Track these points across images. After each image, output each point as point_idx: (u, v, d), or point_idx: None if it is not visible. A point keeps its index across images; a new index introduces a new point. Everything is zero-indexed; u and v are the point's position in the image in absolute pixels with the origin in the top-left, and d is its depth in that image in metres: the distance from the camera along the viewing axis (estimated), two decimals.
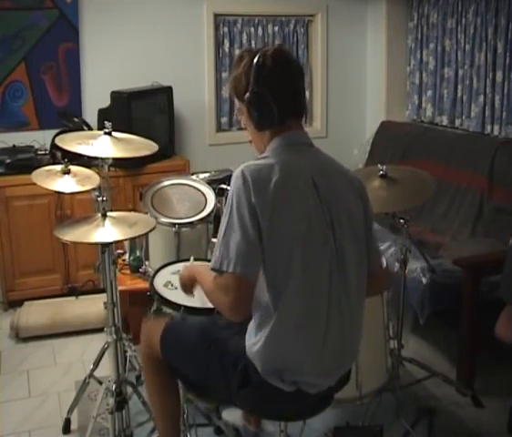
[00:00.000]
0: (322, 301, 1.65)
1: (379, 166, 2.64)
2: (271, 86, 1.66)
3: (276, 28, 4.75)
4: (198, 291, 2.27)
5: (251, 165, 1.63)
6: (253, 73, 1.66)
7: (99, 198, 2.42)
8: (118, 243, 2.52)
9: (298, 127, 1.75)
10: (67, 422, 2.65)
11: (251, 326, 1.70)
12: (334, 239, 1.66)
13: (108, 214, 2.11)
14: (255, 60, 1.66)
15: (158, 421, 2.15)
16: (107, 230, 2.05)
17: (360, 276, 1.74)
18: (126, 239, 2.64)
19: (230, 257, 1.57)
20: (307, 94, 4.93)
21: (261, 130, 1.73)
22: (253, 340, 1.68)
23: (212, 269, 1.62)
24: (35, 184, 2.47)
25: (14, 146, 4.00)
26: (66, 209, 3.80)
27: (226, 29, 4.62)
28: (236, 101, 1.79)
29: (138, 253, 3.10)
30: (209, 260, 2.63)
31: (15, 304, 3.76)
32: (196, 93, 4.60)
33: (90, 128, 4.02)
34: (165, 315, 2.16)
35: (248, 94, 1.67)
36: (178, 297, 2.18)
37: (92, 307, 3.54)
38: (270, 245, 1.58)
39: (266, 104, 1.66)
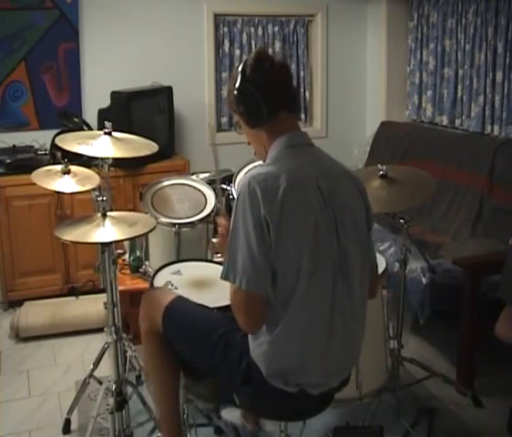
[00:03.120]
0: (325, 305, 1.65)
1: (379, 166, 2.64)
2: (255, 81, 1.69)
3: (276, 28, 4.75)
4: (199, 292, 2.28)
5: (257, 175, 1.63)
6: (238, 76, 1.71)
7: (99, 198, 2.42)
8: (118, 243, 2.52)
9: (295, 127, 1.76)
10: (67, 422, 2.65)
11: None
12: (338, 242, 1.67)
13: (108, 214, 2.12)
14: (239, 67, 1.72)
15: (156, 397, 2.13)
16: (107, 230, 2.05)
17: (363, 277, 1.75)
18: (126, 239, 2.64)
19: (237, 270, 1.58)
20: (307, 94, 4.93)
21: (255, 127, 1.74)
22: (258, 342, 1.68)
23: (222, 278, 1.64)
24: (35, 184, 2.46)
25: (14, 146, 4.01)
26: (66, 209, 3.80)
27: (226, 29, 4.62)
28: (233, 115, 1.82)
29: (138, 253, 3.10)
30: (209, 260, 2.66)
31: (15, 304, 3.76)
32: (196, 93, 4.60)
33: (90, 128, 4.02)
34: (166, 291, 2.14)
35: (234, 93, 1.71)
36: None
37: (92, 307, 3.54)
38: (278, 253, 1.58)
39: (251, 97, 1.68)
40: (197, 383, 2.18)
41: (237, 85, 1.71)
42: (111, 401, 2.18)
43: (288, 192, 1.60)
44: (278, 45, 4.75)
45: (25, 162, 3.68)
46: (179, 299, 2.03)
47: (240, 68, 1.72)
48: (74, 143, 2.40)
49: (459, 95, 4.18)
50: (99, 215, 2.11)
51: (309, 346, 1.65)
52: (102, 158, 2.63)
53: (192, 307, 2.01)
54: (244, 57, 1.80)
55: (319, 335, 1.66)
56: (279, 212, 1.58)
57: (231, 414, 2.43)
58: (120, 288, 2.65)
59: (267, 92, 1.69)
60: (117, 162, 3.39)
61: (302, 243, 1.60)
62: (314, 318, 1.64)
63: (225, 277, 1.62)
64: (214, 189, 3.03)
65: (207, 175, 3.77)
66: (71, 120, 4.03)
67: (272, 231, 1.57)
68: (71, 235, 2.02)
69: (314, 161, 1.73)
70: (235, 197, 1.66)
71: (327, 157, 1.78)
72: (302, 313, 1.62)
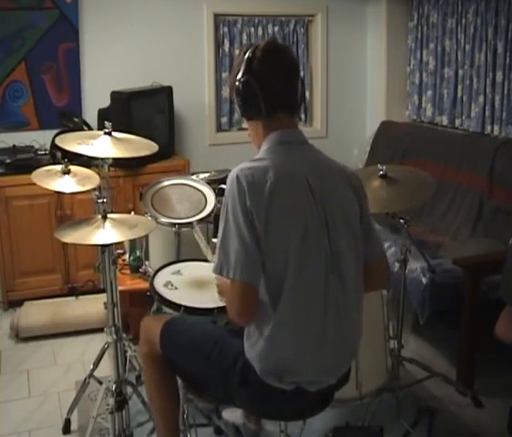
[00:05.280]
0: (318, 302, 1.65)
1: (379, 166, 2.64)
2: (259, 76, 1.67)
3: (276, 28, 4.75)
4: (199, 292, 2.28)
5: (245, 168, 1.63)
6: (244, 65, 1.68)
7: (99, 200, 2.42)
8: (118, 243, 2.52)
9: (292, 124, 1.75)
10: (67, 422, 2.65)
11: (249, 329, 1.70)
12: (329, 240, 1.67)
13: (109, 216, 2.11)
14: (247, 53, 1.69)
15: (156, 421, 2.13)
16: (107, 232, 2.05)
17: (357, 275, 1.75)
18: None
19: (230, 263, 1.58)
20: (307, 94, 4.93)
21: (250, 119, 1.75)
22: (251, 342, 1.69)
23: (214, 273, 1.64)
24: (35, 184, 2.46)
25: (14, 146, 4.01)
26: (66, 209, 3.80)
27: (226, 29, 4.62)
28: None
29: (138, 253, 3.10)
30: (209, 260, 2.66)
31: (15, 304, 3.76)
32: (196, 93, 4.60)
33: (90, 128, 4.02)
34: (164, 314, 2.16)
35: (236, 83, 1.69)
36: (178, 297, 2.19)
37: (92, 307, 3.54)
38: (266, 249, 1.59)
39: (251, 92, 1.67)
40: (202, 398, 2.20)
41: (239, 75, 1.68)
42: (111, 401, 2.18)
43: (275, 187, 1.60)
44: None
45: (25, 162, 3.68)
46: (175, 318, 2.07)
47: (246, 56, 1.68)
48: (74, 143, 2.40)
49: (459, 95, 4.18)
50: (99, 217, 2.11)
51: (302, 343, 1.65)
52: (102, 158, 2.63)
53: (187, 322, 2.04)
54: (254, 43, 1.75)
55: (311, 332, 1.66)
56: (265, 208, 1.58)
57: (233, 414, 2.44)
58: (120, 288, 2.65)
59: (270, 91, 1.68)
60: (117, 162, 3.39)
61: (289, 239, 1.61)
62: (306, 315, 1.65)
63: (219, 272, 1.61)
64: (214, 189, 3.03)
65: (207, 175, 3.77)
66: (71, 120, 4.03)
67: (259, 227, 1.58)
68: (71, 237, 2.03)
69: (306, 158, 1.73)
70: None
71: (320, 154, 1.78)
72: (292, 310, 1.63)
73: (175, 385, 2.07)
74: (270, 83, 1.68)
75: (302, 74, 4.87)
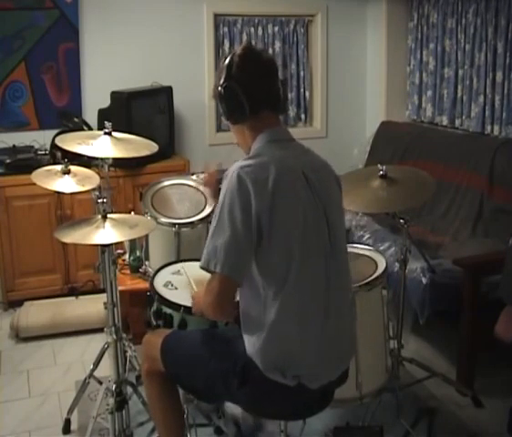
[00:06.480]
0: (319, 291, 1.68)
1: (379, 166, 2.64)
2: (239, 79, 1.71)
3: (276, 28, 4.75)
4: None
5: (246, 166, 1.66)
6: (224, 72, 1.73)
7: (99, 200, 2.42)
8: (118, 243, 2.53)
9: (277, 123, 1.80)
10: (67, 423, 2.65)
11: (249, 325, 1.71)
12: (328, 229, 1.71)
13: (109, 216, 2.12)
14: (225, 61, 1.74)
15: (161, 435, 2.11)
16: (107, 232, 2.05)
17: (348, 264, 1.81)
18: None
19: (218, 257, 1.60)
20: (307, 94, 4.93)
21: (235, 123, 1.79)
22: (253, 339, 1.69)
23: (201, 268, 1.66)
24: (35, 184, 2.46)
25: (14, 146, 4.01)
26: (66, 210, 3.80)
27: (226, 29, 4.62)
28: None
29: (138, 253, 3.10)
30: None
31: (15, 304, 3.76)
32: (196, 93, 4.60)
33: (90, 128, 4.02)
34: (164, 329, 2.15)
35: (218, 89, 1.74)
36: (178, 297, 2.19)
37: (92, 307, 3.54)
38: (270, 243, 1.62)
39: (234, 96, 1.71)
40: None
41: (221, 81, 1.73)
42: (111, 401, 2.19)
43: (277, 181, 1.63)
44: (278, 45, 4.75)
45: (25, 162, 3.68)
46: (174, 331, 2.07)
47: (226, 63, 1.73)
48: (74, 143, 2.40)
49: (459, 95, 4.18)
50: (99, 217, 2.11)
51: (305, 332, 1.67)
52: (102, 158, 2.63)
53: (186, 334, 2.04)
54: (232, 50, 1.81)
55: (314, 319, 1.69)
56: (270, 202, 1.61)
57: (233, 407, 2.44)
58: (120, 288, 2.65)
59: (251, 92, 1.72)
60: (117, 162, 3.39)
61: (292, 231, 1.64)
62: (308, 303, 1.67)
63: (206, 265, 1.63)
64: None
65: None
66: (71, 120, 4.03)
67: (265, 222, 1.60)
68: (71, 237, 2.03)
69: (297, 154, 1.78)
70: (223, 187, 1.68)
71: (308, 150, 1.83)
72: (295, 300, 1.65)
73: (177, 399, 2.06)
74: (250, 83, 1.72)
75: (302, 74, 4.87)
